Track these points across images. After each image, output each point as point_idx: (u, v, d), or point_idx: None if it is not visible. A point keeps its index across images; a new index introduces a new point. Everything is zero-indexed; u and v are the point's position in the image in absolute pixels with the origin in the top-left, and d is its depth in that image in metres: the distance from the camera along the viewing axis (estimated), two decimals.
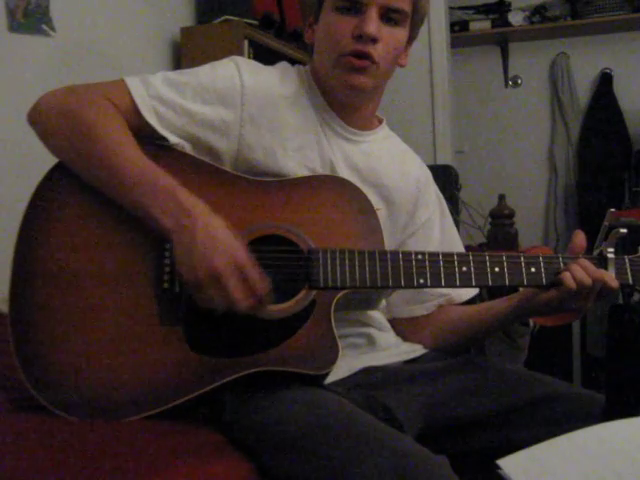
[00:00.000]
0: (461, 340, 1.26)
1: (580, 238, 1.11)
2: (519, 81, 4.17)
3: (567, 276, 1.05)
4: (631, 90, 3.87)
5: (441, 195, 1.35)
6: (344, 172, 1.17)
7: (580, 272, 1.05)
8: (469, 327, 1.24)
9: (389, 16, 1.13)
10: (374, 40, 1.11)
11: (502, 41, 4.11)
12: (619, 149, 3.82)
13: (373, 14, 1.10)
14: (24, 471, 0.80)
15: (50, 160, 1.07)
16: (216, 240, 0.96)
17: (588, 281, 1.05)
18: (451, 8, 3.87)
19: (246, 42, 2.43)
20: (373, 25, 1.10)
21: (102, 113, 1.05)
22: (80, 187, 1.05)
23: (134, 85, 1.10)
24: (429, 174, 1.34)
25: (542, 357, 2.36)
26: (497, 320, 1.21)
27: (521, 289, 1.16)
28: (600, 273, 1.06)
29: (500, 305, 1.20)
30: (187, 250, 0.97)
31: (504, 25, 3.95)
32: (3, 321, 1.01)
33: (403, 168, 1.28)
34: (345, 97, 1.18)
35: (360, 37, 1.10)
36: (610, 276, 1.07)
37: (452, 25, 3.89)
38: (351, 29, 1.11)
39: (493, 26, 3.98)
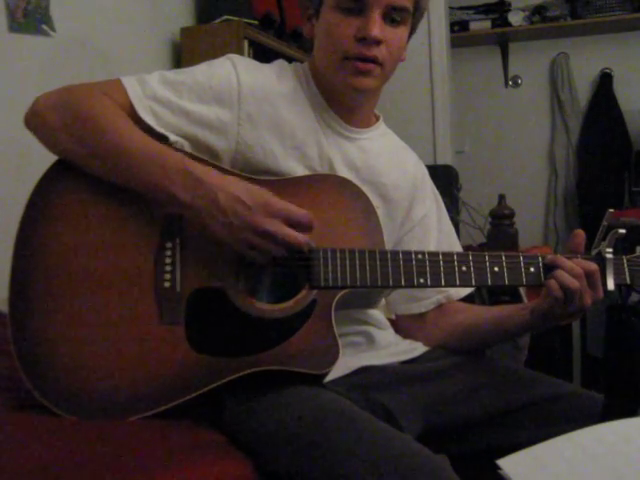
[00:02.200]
0: (475, 344, 1.24)
1: (579, 238, 1.09)
2: (519, 81, 4.17)
3: (552, 283, 1.04)
4: (631, 90, 3.88)
5: (437, 192, 1.34)
6: (342, 170, 1.17)
7: (564, 277, 1.03)
8: (486, 334, 1.22)
9: (392, 16, 1.11)
10: (378, 42, 1.10)
11: (502, 41, 4.12)
12: (619, 149, 3.82)
13: (376, 15, 1.09)
14: (24, 471, 0.80)
15: (49, 160, 1.07)
16: (243, 202, 0.97)
17: (574, 285, 1.02)
18: (451, 8, 3.88)
19: (246, 42, 2.43)
20: (377, 27, 1.08)
21: (100, 102, 1.05)
22: (79, 186, 1.05)
23: (130, 84, 1.09)
24: (425, 170, 1.33)
25: (542, 357, 2.36)
26: (516, 331, 1.20)
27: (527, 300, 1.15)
28: (580, 272, 1.03)
29: (521, 315, 1.15)
30: (223, 223, 0.98)
31: (504, 25, 3.96)
32: (3, 321, 1.01)
33: (400, 165, 1.27)
34: (348, 98, 1.17)
35: (364, 39, 1.09)
36: (589, 265, 1.04)
37: (452, 25, 3.90)
38: (354, 30, 1.09)
39: (493, 26, 3.99)
